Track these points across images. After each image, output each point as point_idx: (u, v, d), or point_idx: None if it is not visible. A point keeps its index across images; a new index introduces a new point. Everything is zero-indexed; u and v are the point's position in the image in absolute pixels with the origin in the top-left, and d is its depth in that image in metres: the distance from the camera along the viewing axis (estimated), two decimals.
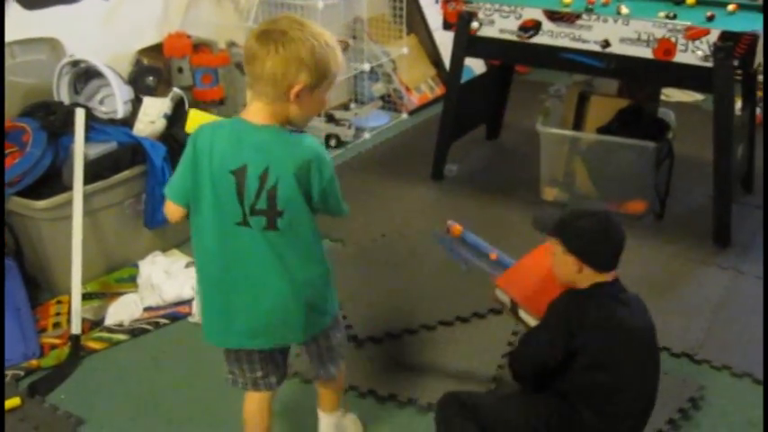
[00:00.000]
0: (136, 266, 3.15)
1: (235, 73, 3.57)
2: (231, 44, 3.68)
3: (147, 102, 3.19)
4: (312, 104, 1.83)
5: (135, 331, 2.83)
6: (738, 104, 3.75)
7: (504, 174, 4.15)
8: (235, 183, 1.79)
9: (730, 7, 3.31)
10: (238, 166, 1.79)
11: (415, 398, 2.49)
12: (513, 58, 3.98)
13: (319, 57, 1.73)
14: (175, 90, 3.27)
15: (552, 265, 2.06)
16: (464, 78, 3.94)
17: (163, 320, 2.90)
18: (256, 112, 1.80)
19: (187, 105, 3.31)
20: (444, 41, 3.96)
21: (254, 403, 2.08)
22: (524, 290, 2.22)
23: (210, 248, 1.88)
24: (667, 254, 3.29)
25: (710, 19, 3.16)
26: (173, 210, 1.91)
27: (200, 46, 3.53)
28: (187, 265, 3.18)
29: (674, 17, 3.16)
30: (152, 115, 3.14)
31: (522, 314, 2.22)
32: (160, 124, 3.14)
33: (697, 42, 3.09)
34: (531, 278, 2.22)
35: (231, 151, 1.80)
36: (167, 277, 3.07)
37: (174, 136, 3.17)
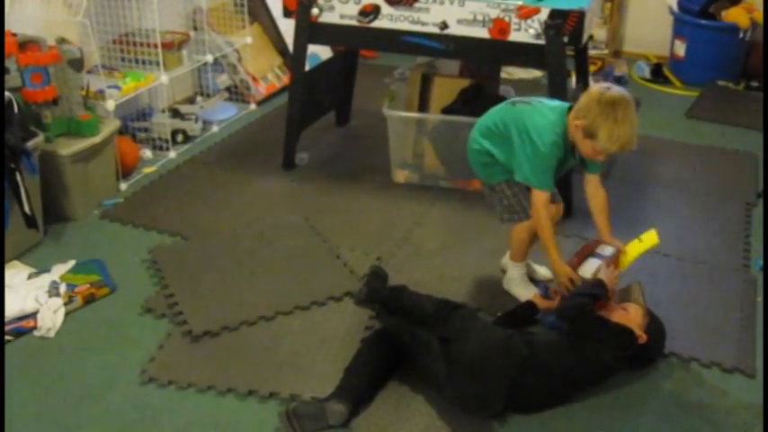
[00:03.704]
0: None
1: (67, 71, 3.38)
2: (62, 40, 3.48)
3: None
4: (584, 145, 2.54)
5: None
6: (573, 79, 3.93)
7: (355, 159, 4.18)
8: None
9: None
10: None
11: (255, 389, 2.48)
12: (355, 44, 4.00)
13: (597, 119, 2.44)
14: None
15: None
16: (311, 65, 3.92)
17: (7, 337, 2.74)
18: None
19: (16, 108, 3.14)
20: (289, 30, 3.92)
21: None
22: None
23: None
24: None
25: None
26: None
27: (27, 44, 3.33)
28: (29, 277, 3.03)
29: None
30: None
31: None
32: None
33: (529, 21, 3.21)
34: None
35: None
36: (9, 291, 2.90)
37: (6, 143, 2.99)
